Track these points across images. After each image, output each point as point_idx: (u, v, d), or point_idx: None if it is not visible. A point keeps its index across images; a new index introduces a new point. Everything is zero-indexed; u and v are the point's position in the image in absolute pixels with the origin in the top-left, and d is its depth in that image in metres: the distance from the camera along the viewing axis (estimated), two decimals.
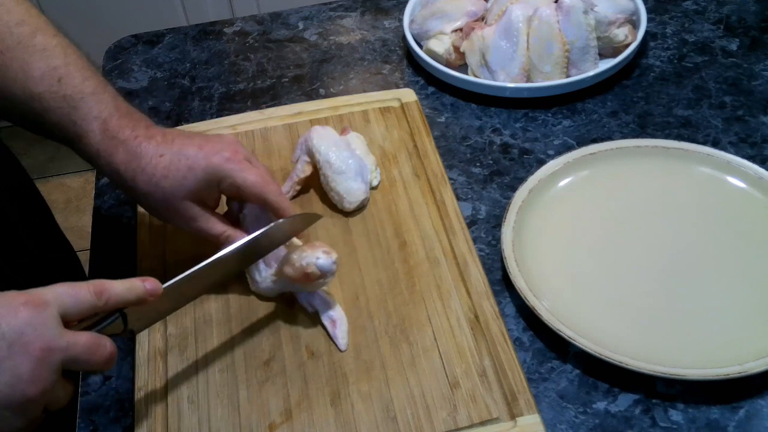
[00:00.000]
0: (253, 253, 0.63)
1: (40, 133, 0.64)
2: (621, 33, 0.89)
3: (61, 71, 0.61)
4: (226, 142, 0.64)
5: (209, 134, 0.67)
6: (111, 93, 0.63)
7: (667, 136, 0.82)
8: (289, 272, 0.63)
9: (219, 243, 0.63)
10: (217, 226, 0.64)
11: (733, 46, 0.93)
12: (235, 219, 0.68)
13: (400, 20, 0.99)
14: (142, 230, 0.75)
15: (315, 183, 0.77)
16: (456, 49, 0.90)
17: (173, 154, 0.61)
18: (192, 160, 0.61)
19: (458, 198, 0.77)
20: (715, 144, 0.81)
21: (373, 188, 0.77)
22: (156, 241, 0.74)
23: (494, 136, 0.85)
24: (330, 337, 0.65)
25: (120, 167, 0.61)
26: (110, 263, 0.75)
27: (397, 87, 0.92)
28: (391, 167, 0.79)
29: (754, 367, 0.60)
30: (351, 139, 0.77)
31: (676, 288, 0.68)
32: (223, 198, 0.69)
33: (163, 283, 0.56)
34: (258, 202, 0.65)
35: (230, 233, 0.64)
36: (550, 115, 0.87)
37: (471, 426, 0.59)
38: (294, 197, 0.77)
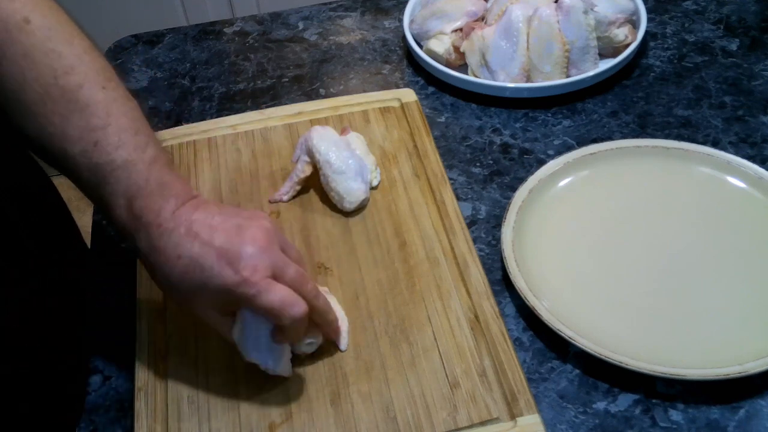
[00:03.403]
0: None
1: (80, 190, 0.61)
2: (621, 33, 0.89)
3: (99, 134, 0.57)
4: (249, 252, 0.55)
5: (243, 217, 0.58)
6: (146, 161, 0.57)
7: (667, 136, 0.82)
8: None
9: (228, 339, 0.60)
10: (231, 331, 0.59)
11: (733, 46, 0.93)
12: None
13: (400, 20, 0.99)
14: None
15: (315, 183, 0.77)
16: (456, 49, 0.90)
17: (190, 261, 0.55)
18: (207, 275, 0.54)
19: (458, 198, 0.77)
20: (715, 144, 0.81)
21: (373, 188, 0.77)
22: None
23: (494, 136, 0.85)
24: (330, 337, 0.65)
25: (141, 252, 0.57)
26: (110, 264, 0.75)
27: (397, 87, 0.92)
28: (391, 167, 0.79)
29: (754, 367, 0.60)
30: (351, 139, 0.77)
31: (676, 288, 0.68)
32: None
33: None
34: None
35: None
36: (550, 115, 0.87)
37: (471, 426, 0.59)
38: (294, 197, 0.77)
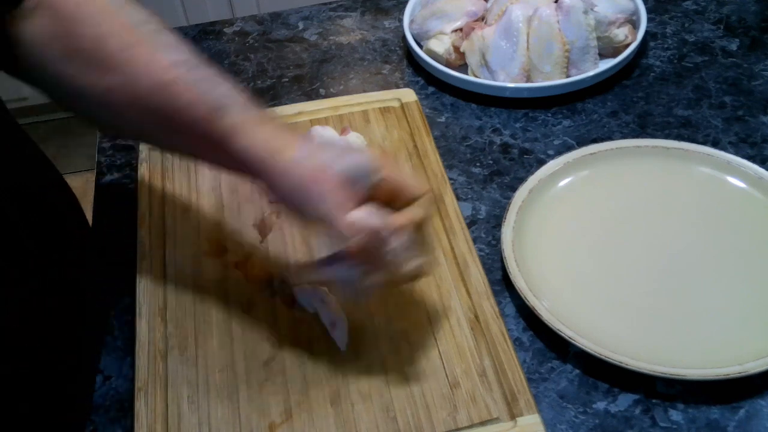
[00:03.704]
0: None
1: (157, 133, 0.63)
2: (621, 33, 0.89)
3: (192, 62, 0.61)
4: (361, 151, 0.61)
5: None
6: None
7: (667, 136, 0.82)
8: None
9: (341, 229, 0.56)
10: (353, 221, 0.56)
11: (733, 46, 0.93)
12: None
13: (400, 20, 0.99)
14: (142, 230, 0.75)
15: None
16: (456, 49, 0.90)
17: (310, 152, 0.57)
18: (328, 160, 0.56)
19: (458, 198, 0.77)
20: (715, 144, 0.81)
21: None
22: (156, 242, 0.74)
23: (494, 136, 0.85)
24: (330, 337, 0.65)
25: (254, 158, 0.57)
26: (110, 263, 0.75)
27: (397, 87, 0.92)
28: None
29: (754, 367, 0.60)
30: (351, 139, 0.77)
31: (676, 288, 0.68)
32: None
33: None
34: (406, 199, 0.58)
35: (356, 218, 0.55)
36: (550, 115, 0.87)
37: (471, 426, 0.59)
38: None
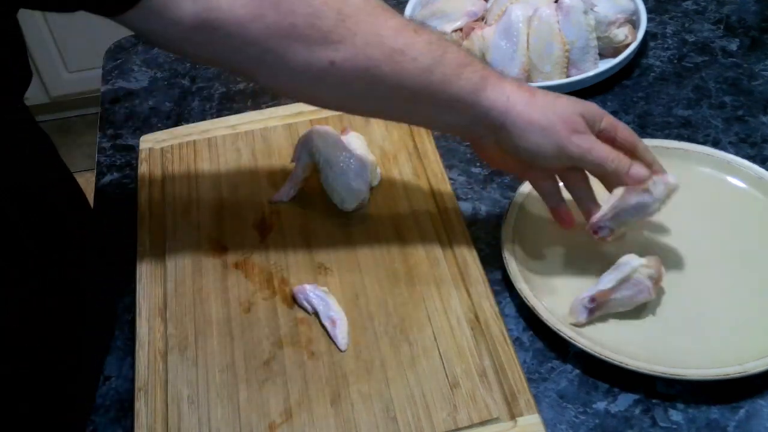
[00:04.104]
0: None
1: (387, 105, 0.64)
2: (621, 33, 0.89)
3: (412, 25, 0.60)
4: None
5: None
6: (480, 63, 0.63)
7: (667, 136, 0.82)
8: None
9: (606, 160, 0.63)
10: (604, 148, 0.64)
11: (733, 46, 0.93)
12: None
13: None
14: (142, 230, 0.75)
15: (315, 183, 0.77)
16: None
17: (547, 93, 0.63)
18: (569, 98, 0.63)
19: (458, 198, 0.77)
20: (715, 144, 0.81)
21: (372, 188, 0.77)
22: (156, 242, 0.74)
23: None
24: (330, 337, 0.65)
25: (500, 103, 0.61)
26: (110, 264, 0.75)
27: None
28: (391, 167, 0.79)
29: (754, 367, 0.60)
30: (351, 139, 0.77)
31: (676, 288, 0.68)
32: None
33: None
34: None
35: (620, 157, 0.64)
36: None
37: (471, 426, 0.59)
38: (294, 197, 0.77)
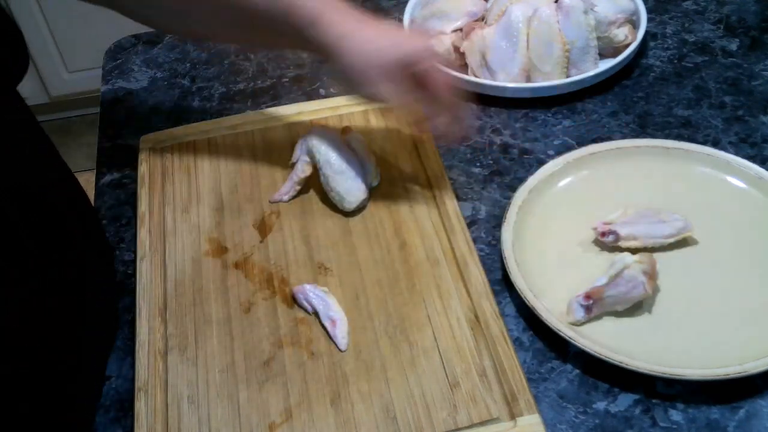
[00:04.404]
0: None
1: (238, 25, 0.71)
2: (621, 33, 0.89)
3: None
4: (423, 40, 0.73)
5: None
6: None
7: (667, 136, 0.82)
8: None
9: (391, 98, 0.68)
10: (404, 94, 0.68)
11: (733, 46, 0.93)
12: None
13: (400, 20, 0.99)
14: (142, 230, 0.75)
15: (315, 183, 0.77)
16: (456, 49, 0.90)
17: (378, 30, 0.68)
18: (393, 39, 0.68)
19: (458, 198, 0.77)
20: (715, 144, 0.81)
21: (372, 188, 0.77)
22: (156, 242, 0.74)
23: (494, 136, 0.85)
24: (330, 337, 0.65)
25: (329, 36, 0.67)
26: (110, 263, 0.75)
27: None
28: (391, 167, 0.79)
29: (754, 367, 0.60)
30: (351, 140, 0.77)
31: (676, 288, 0.68)
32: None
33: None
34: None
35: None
36: (550, 115, 0.87)
37: (471, 426, 0.59)
38: (294, 197, 0.77)
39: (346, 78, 0.69)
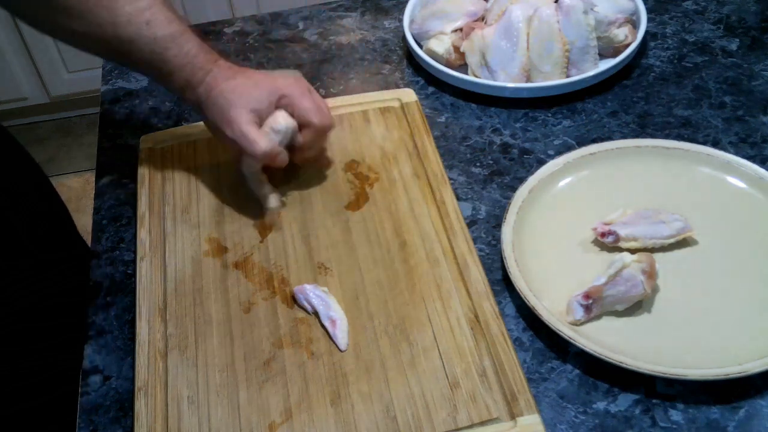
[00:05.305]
0: None
1: (129, 67, 0.75)
2: (621, 33, 0.89)
3: (147, 14, 0.66)
4: (291, 76, 0.73)
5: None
6: (193, 33, 0.70)
7: (667, 136, 0.82)
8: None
9: (253, 152, 0.69)
10: (257, 135, 0.69)
11: (733, 46, 0.93)
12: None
13: (400, 20, 0.99)
14: (142, 230, 0.75)
15: (314, 184, 0.77)
16: (456, 49, 0.90)
17: (244, 78, 0.70)
18: (259, 80, 0.71)
19: (458, 198, 0.77)
20: (715, 144, 0.81)
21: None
22: (156, 242, 0.74)
23: (494, 136, 0.85)
24: (330, 337, 0.65)
25: (201, 94, 0.70)
26: (110, 264, 0.75)
27: (397, 87, 0.92)
28: (391, 167, 0.79)
29: (754, 367, 0.60)
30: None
31: (676, 287, 0.68)
32: None
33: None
34: (305, 124, 0.72)
35: (265, 145, 0.69)
36: (550, 115, 0.87)
37: (471, 426, 0.59)
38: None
39: (215, 128, 0.71)
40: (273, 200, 0.74)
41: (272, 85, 0.71)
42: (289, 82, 0.72)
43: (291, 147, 0.74)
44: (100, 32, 0.66)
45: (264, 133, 0.70)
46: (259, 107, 0.70)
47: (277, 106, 0.71)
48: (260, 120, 0.70)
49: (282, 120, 0.71)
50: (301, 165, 0.78)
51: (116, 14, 0.65)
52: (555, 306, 0.66)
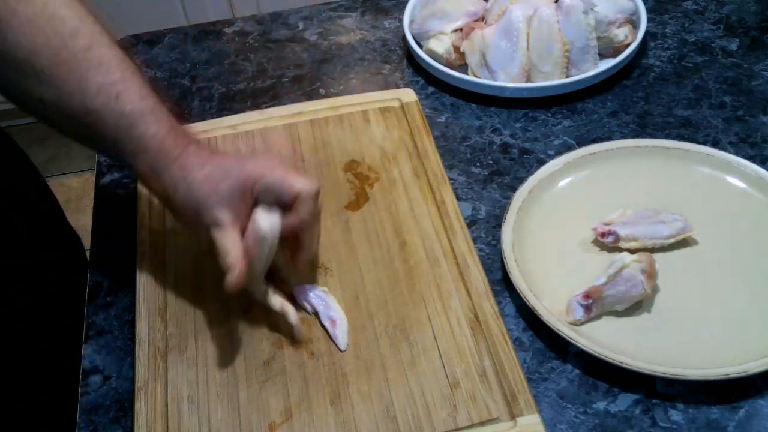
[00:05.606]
0: None
1: (94, 148, 0.65)
2: (621, 33, 0.89)
3: (119, 87, 0.61)
4: (267, 157, 0.65)
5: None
6: (166, 112, 0.63)
7: (667, 136, 0.82)
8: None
9: (223, 262, 0.61)
10: (231, 244, 0.61)
11: (733, 46, 0.93)
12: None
13: (400, 20, 0.99)
14: (142, 231, 0.75)
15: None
16: (456, 49, 0.90)
17: (214, 166, 0.62)
18: (229, 168, 0.62)
19: (458, 198, 0.77)
20: (715, 144, 0.81)
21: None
22: (156, 242, 0.74)
23: (494, 136, 0.85)
24: (330, 337, 0.65)
25: (167, 183, 0.62)
26: (110, 264, 0.75)
27: (397, 87, 0.92)
28: (391, 167, 0.79)
29: (754, 367, 0.60)
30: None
31: (676, 287, 0.68)
32: None
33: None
34: (290, 197, 0.62)
35: (234, 260, 0.60)
36: (550, 115, 0.87)
37: (471, 426, 0.59)
38: None
39: (185, 217, 0.64)
40: (292, 315, 0.64)
41: (242, 170, 0.62)
42: (259, 162, 0.63)
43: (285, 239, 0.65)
44: (67, 102, 0.60)
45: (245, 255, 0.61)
46: (232, 201, 0.61)
47: (254, 193, 0.62)
48: (238, 216, 0.62)
49: (263, 223, 0.62)
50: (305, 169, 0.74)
51: (87, 84, 0.60)
52: (555, 306, 0.66)
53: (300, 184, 0.62)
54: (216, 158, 0.63)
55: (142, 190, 0.79)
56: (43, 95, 0.60)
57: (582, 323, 0.65)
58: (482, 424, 0.59)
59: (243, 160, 0.63)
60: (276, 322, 0.67)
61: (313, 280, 0.69)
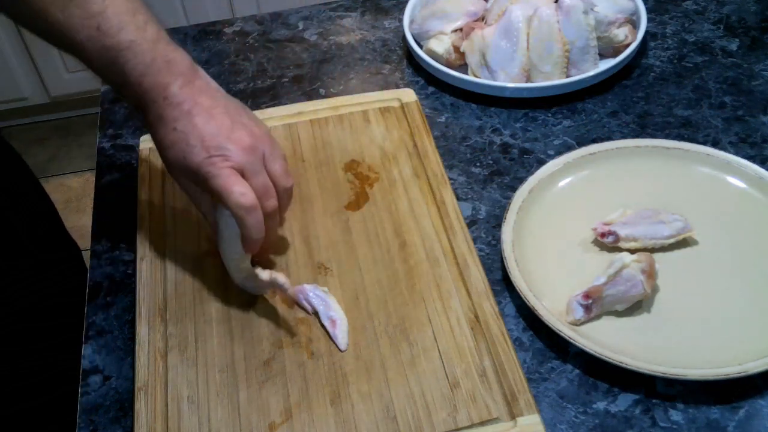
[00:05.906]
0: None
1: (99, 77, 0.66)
2: (621, 33, 0.89)
3: (98, 19, 0.60)
4: (239, 139, 0.61)
5: (240, 118, 0.63)
6: (148, 40, 0.61)
7: (667, 136, 0.82)
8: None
9: (233, 204, 0.60)
10: (235, 179, 0.60)
11: (733, 46, 0.93)
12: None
13: (400, 20, 0.99)
14: (142, 230, 0.75)
15: (313, 184, 0.77)
16: (456, 49, 0.90)
17: (181, 134, 0.61)
18: (188, 150, 0.60)
19: (458, 198, 0.77)
20: (715, 144, 0.81)
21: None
22: (156, 242, 0.74)
23: (494, 136, 0.85)
24: (330, 337, 0.65)
25: (150, 124, 0.63)
26: (110, 264, 0.75)
27: (397, 87, 0.92)
28: (391, 167, 0.79)
29: (754, 367, 0.60)
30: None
31: (676, 287, 0.68)
32: None
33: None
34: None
35: (248, 198, 0.60)
36: (550, 115, 0.87)
37: (471, 426, 0.59)
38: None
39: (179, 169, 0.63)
40: (281, 278, 0.64)
41: (192, 159, 0.60)
42: (263, 132, 0.63)
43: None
44: (57, 34, 0.60)
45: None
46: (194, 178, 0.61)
47: None
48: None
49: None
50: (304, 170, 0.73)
51: (69, 15, 0.59)
52: (555, 306, 0.66)
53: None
54: (189, 120, 0.60)
55: (142, 190, 0.79)
56: (38, 27, 0.61)
57: (582, 323, 0.65)
58: (482, 424, 0.59)
59: (206, 141, 0.60)
60: (276, 323, 0.67)
61: (272, 266, 0.69)
